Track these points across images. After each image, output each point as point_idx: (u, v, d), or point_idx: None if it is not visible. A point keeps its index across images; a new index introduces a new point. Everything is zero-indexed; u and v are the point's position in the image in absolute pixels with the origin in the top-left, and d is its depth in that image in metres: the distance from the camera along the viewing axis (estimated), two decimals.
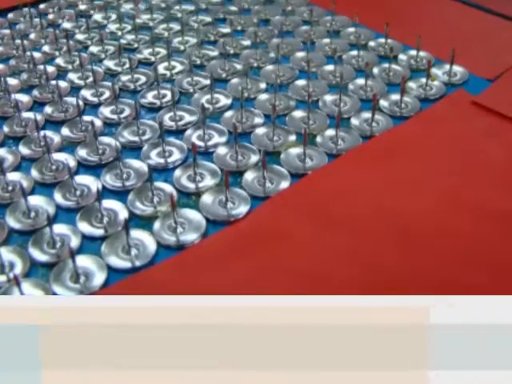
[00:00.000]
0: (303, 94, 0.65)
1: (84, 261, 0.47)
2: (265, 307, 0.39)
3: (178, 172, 0.55)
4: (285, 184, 0.54)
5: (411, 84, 0.66)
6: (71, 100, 0.64)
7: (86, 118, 0.62)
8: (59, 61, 0.72)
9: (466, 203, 0.51)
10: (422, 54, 0.70)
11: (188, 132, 0.60)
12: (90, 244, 0.49)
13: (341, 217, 0.50)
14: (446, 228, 0.49)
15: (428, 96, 0.64)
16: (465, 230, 0.49)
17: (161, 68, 0.70)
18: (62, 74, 0.70)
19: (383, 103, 0.63)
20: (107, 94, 0.66)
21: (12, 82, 0.68)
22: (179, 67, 0.70)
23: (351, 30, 0.76)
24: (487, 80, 0.67)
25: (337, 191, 0.53)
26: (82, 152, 0.58)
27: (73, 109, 0.63)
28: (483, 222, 0.49)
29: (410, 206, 0.51)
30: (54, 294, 0.45)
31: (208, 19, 0.80)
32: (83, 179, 0.55)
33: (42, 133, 0.59)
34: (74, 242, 0.49)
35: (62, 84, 0.67)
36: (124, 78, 0.69)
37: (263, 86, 0.67)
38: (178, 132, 0.61)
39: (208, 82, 0.65)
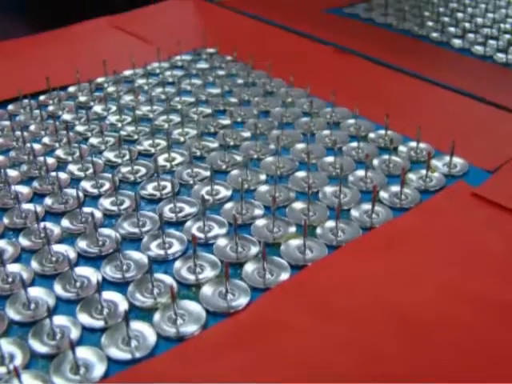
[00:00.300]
0: (303, 186, 0.69)
1: (84, 352, 0.50)
2: None
3: (178, 263, 0.59)
4: (285, 275, 0.57)
5: (411, 175, 0.70)
6: (71, 191, 0.68)
7: (86, 209, 0.65)
8: (59, 152, 0.77)
9: (465, 294, 0.55)
10: (421, 145, 0.75)
11: (188, 223, 0.64)
12: (89, 335, 0.52)
13: (341, 308, 0.54)
14: (446, 319, 0.53)
15: (428, 187, 0.68)
16: (465, 321, 0.52)
17: (161, 159, 0.75)
18: (61, 165, 0.74)
19: (383, 195, 0.67)
20: (107, 185, 0.70)
21: (12, 173, 0.73)
22: (179, 159, 0.75)
23: (351, 121, 0.81)
24: (487, 171, 0.71)
25: (337, 283, 0.57)
26: (82, 243, 0.62)
27: (73, 200, 0.67)
28: (483, 313, 0.53)
29: (409, 297, 0.55)
30: None
31: (208, 111, 0.85)
32: (83, 271, 0.58)
33: (41, 224, 0.62)
34: (74, 334, 0.52)
35: (62, 175, 0.72)
36: (124, 169, 0.73)
37: (263, 177, 0.71)
38: (178, 223, 0.64)
39: (208, 173, 0.70)
